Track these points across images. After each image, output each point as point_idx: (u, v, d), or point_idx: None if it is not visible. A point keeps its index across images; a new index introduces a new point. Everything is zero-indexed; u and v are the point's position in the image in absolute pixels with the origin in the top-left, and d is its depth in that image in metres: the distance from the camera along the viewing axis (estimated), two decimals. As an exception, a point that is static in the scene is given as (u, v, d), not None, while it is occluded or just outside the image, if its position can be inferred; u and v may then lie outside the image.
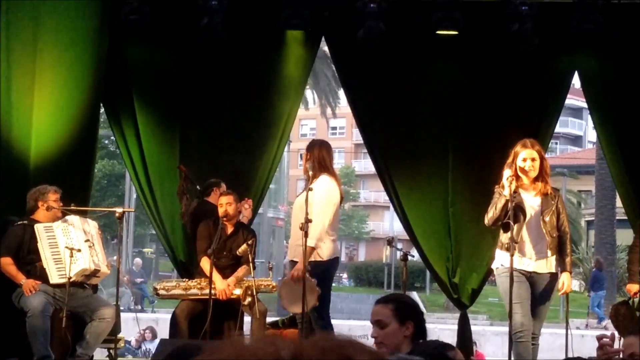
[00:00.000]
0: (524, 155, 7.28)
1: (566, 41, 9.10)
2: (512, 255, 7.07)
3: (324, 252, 7.61)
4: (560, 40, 9.11)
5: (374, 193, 55.45)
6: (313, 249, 7.42)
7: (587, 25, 8.76)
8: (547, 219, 7.31)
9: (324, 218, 7.55)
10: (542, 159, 7.35)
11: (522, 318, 7.23)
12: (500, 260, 7.38)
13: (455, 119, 9.22)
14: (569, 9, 8.87)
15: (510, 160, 7.30)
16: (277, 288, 7.83)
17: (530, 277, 7.31)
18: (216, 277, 7.85)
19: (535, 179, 7.34)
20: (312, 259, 7.46)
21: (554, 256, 7.37)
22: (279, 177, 36.91)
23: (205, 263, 7.98)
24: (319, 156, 7.68)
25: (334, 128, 54.87)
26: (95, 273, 7.80)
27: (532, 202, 7.33)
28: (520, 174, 7.27)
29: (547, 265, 7.36)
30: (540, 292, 7.36)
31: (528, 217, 7.30)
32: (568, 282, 7.42)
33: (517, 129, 8.70)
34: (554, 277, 7.39)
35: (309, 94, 35.51)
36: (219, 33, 8.74)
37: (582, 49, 9.19)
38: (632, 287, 8.17)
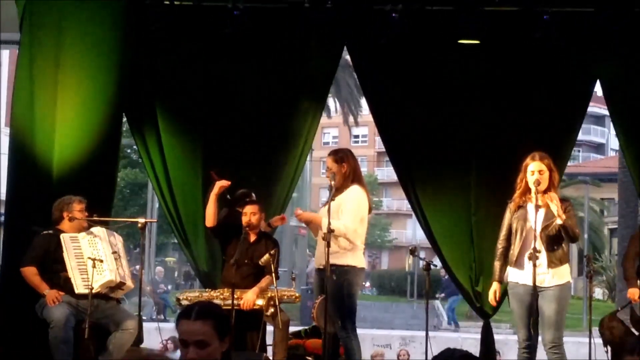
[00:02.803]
0: (532, 168, 7.30)
1: (588, 49, 9.05)
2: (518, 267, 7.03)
3: (357, 260, 7.60)
4: (582, 48, 9.06)
5: (397, 201, 55.43)
6: (333, 230, 7.26)
7: (610, 33, 8.74)
8: (550, 234, 7.25)
9: (354, 222, 7.55)
10: (550, 171, 7.33)
11: (522, 332, 7.27)
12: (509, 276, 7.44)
13: (478, 126, 9.17)
14: (591, 16, 8.83)
15: (522, 174, 7.34)
16: (313, 314, 7.64)
17: (536, 291, 7.17)
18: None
19: (544, 192, 7.30)
20: (344, 263, 7.45)
21: (563, 266, 7.30)
22: (302, 185, 36.90)
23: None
24: (355, 166, 7.73)
25: (357, 136, 54.90)
26: (120, 286, 7.80)
27: (536, 217, 7.23)
28: (530, 185, 7.27)
29: (552, 278, 7.26)
30: (549, 304, 7.22)
31: (531, 233, 7.24)
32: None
33: (539, 137, 8.68)
34: (562, 287, 7.29)
35: (331, 102, 35.56)
36: (241, 42, 8.75)
37: (604, 56, 9.12)
38: (634, 292, 8.05)
